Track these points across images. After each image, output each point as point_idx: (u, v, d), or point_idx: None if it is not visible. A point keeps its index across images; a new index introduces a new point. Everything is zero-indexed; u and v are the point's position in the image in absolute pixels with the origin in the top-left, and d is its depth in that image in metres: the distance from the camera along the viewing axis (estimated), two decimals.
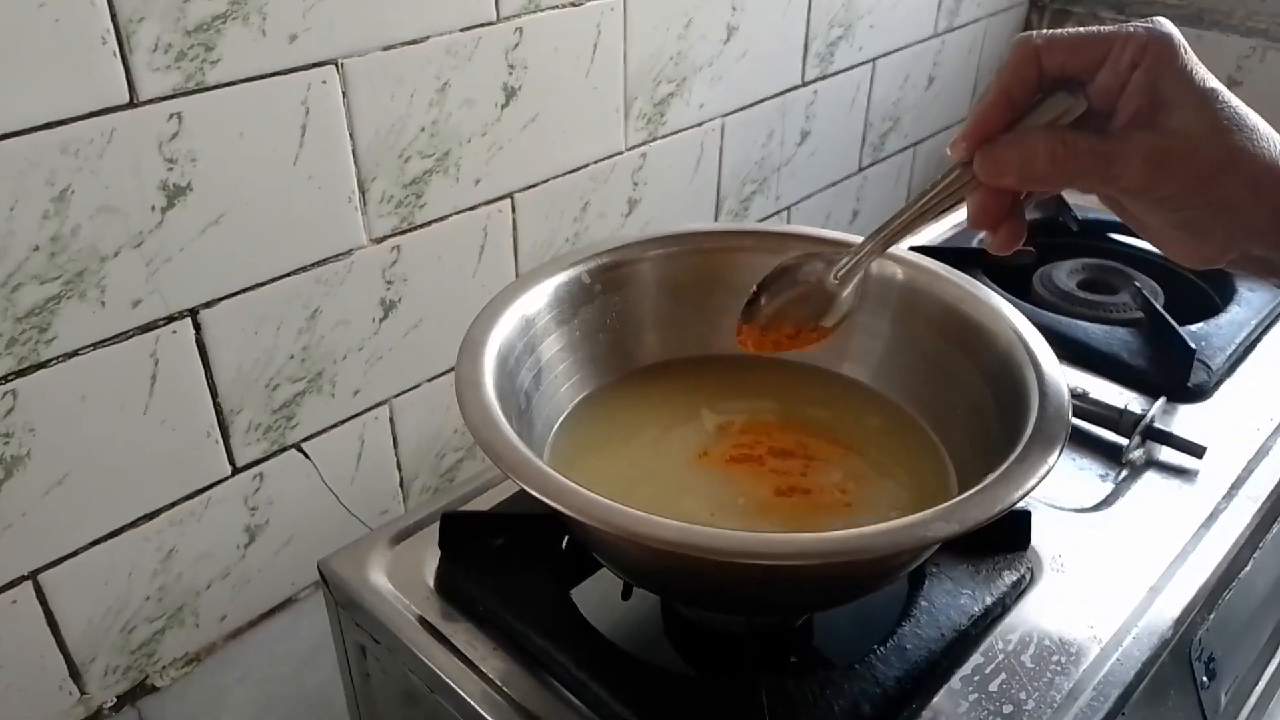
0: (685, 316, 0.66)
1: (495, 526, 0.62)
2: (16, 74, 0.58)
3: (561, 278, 0.63)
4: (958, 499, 0.45)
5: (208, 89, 0.66)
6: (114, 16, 0.61)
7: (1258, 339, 0.85)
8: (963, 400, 0.59)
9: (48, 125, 0.60)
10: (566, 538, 0.62)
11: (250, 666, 0.81)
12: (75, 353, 0.66)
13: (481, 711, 0.54)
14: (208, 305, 0.71)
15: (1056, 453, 0.47)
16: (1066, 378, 0.54)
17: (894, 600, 0.59)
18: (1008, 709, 0.54)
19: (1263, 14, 1.34)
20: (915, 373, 0.62)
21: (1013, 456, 0.47)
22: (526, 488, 0.46)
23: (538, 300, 0.61)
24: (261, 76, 0.68)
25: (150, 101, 0.64)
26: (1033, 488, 0.45)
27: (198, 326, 0.71)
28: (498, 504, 0.67)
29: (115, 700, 0.77)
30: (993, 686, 0.55)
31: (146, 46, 0.63)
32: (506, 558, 0.61)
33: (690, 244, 0.66)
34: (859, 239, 0.65)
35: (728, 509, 0.56)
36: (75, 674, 0.74)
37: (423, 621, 0.59)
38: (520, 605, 0.58)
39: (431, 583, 0.62)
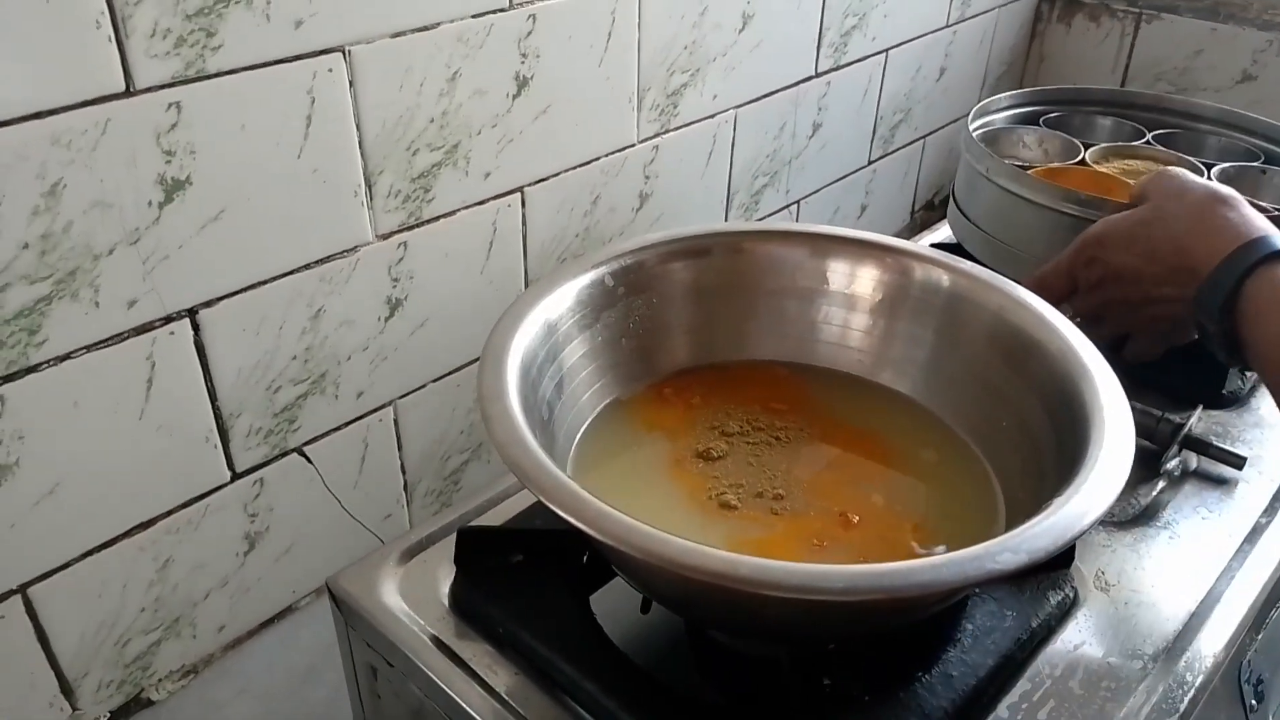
0: (712, 321, 0.63)
1: (513, 542, 0.59)
2: (4, 60, 0.54)
3: (584, 280, 0.60)
4: (1025, 527, 0.42)
5: (208, 77, 0.62)
6: None
7: None
8: (1010, 416, 0.56)
9: (37, 115, 0.57)
10: (587, 553, 0.59)
11: (250, 679, 0.78)
12: (67, 356, 0.62)
13: None
14: (207, 305, 0.68)
15: (1126, 473, 0.45)
16: None
17: (934, 622, 0.56)
18: None
19: None
20: (960, 386, 0.59)
21: (1080, 478, 0.44)
22: (560, 512, 0.42)
23: (560, 304, 0.58)
24: (265, 64, 0.65)
25: (148, 90, 0.60)
26: (1103, 514, 0.42)
27: (196, 327, 0.68)
28: (513, 517, 0.64)
29: (109, 716, 0.74)
30: (1042, 715, 0.52)
31: (144, 32, 0.59)
32: (525, 575, 0.58)
33: (717, 244, 0.63)
34: (891, 239, 0.63)
35: (755, 528, 0.53)
36: (67, 690, 0.71)
37: (437, 642, 0.56)
38: (542, 626, 0.55)
39: (446, 601, 0.59)
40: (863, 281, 0.62)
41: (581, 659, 0.53)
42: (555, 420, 0.56)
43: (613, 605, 0.58)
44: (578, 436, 0.58)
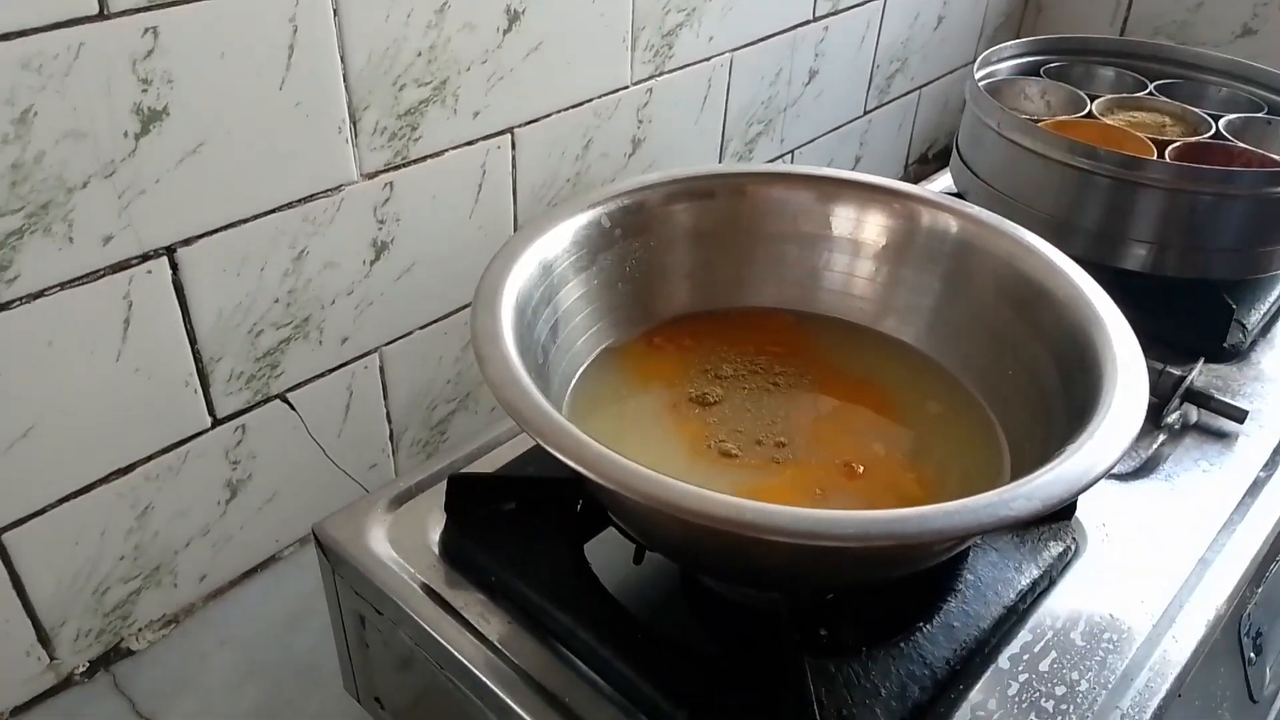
0: (712, 266, 0.61)
1: (505, 490, 0.58)
2: None
3: (580, 220, 0.57)
4: (1040, 473, 0.41)
5: (186, 0, 0.59)
6: None
7: None
8: (1017, 365, 0.54)
9: (5, 37, 0.54)
10: (581, 501, 0.57)
11: (232, 629, 0.76)
12: (40, 293, 0.60)
13: (495, 689, 0.50)
14: (186, 243, 0.65)
15: (1139, 422, 0.43)
16: None
17: (935, 571, 0.55)
18: (1060, 690, 0.51)
19: None
20: (966, 334, 0.58)
21: (1093, 425, 0.43)
22: (561, 456, 0.41)
23: (556, 244, 0.56)
24: None
25: (123, 13, 0.57)
26: (1118, 460, 0.41)
27: (175, 266, 0.65)
28: (505, 465, 0.62)
29: (88, 665, 0.72)
30: (1043, 666, 0.52)
31: None
32: (517, 523, 0.57)
33: (719, 185, 0.61)
34: (899, 184, 0.61)
35: (757, 475, 0.52)
36: (44, 639, 0.69)
37: (428, 590, 0.55)
38: (535, 574, 0.53)
39: (436, 549, 0.57)
40: (868, 227, 0.60)
41: (576, 607, 0.51)
42: (550, 364, 0.54)
43: (606, 556, 0.56)
44: (573, 381, 0.57)
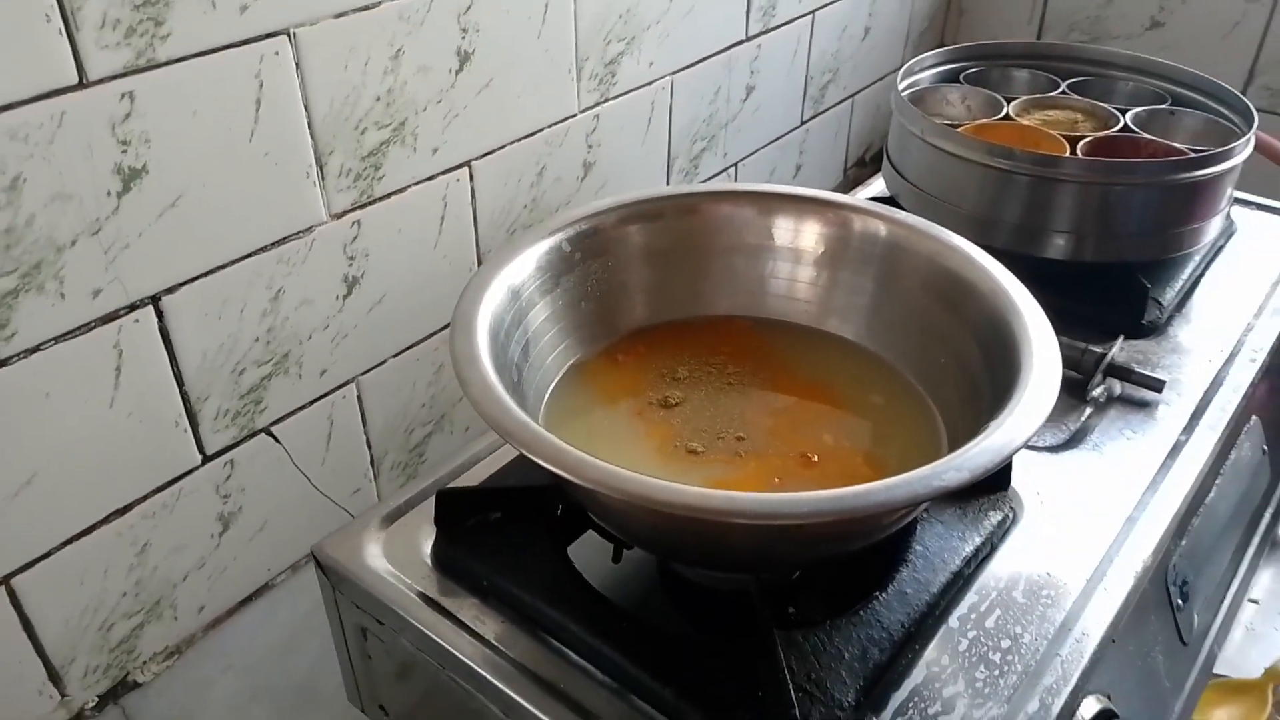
0: (667, 280, 0.66)
1: (490, 501, 0.62)
2: None
3: (542, 246, 0.62)
4: (968, 447, 0.46)
5: (159, 65, 0.63)
6: None
7: (1202, 274, 0.89)
8: (948, 353, 0.60)
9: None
10: (562, 507, 0.62)
11: (233, 656, 0.80)
12: (36, 348, 0.63)
13: (495, 682, 0.54)
14: (169, 291, 0.69)
15: (1054, 396, 0.49)
16: None
17: (887, 545, 0.60)
18: (1005, 644, 0.56)
19: None
20: (901, 328, 0.63)
21: (1014, 402, 0.49)
22: (544, 463, 0.45)
23: (521, 271, 0.60)
24: (213, 50, 0.66)
25: (100, 81, 0.61)
26: (1035, 432, 0.47)
27: (160, 314, 0.69)
28: (487, 478, 0.67)
29: (97, 700, 0.75)
30: (989, 624, 0.57)
31: (93, 23, 0.60)
32: (503, 531, 0.61)
33: (668, 206, 0.66)
34: (831, 194, 0.66)
35: (722, 469, 0.57)
36: (54, 677, 0.72)
37: (425, 598, 0.59)
38: (524, 576, 0.58)
39: (429, 560, 0.61)
40: (806, 236, 0.66)
41: (565, 602, 0.56)
42: (525, 382, 0.59)
43: (586, 558, 0.61)
44: (546, 396, 0.61)
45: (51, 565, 0.69)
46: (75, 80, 0.60)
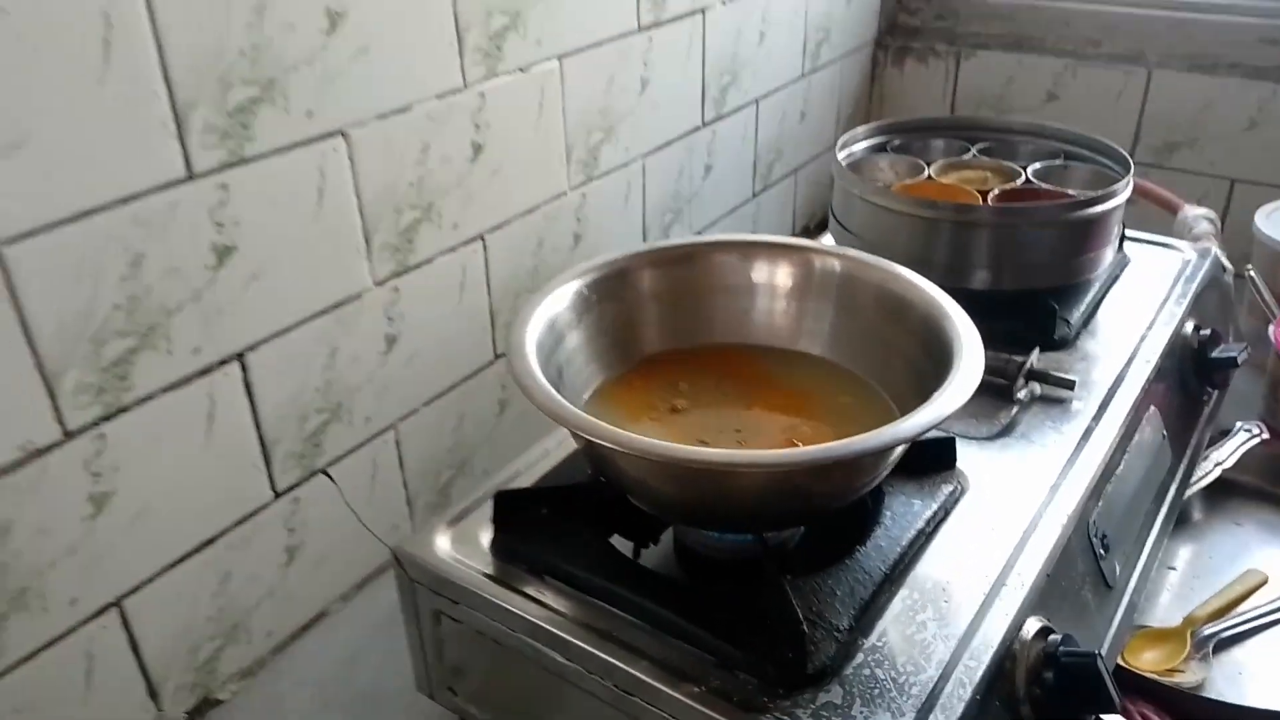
0: (671, 315, 0.81)
1: (540, 500, 0.75)
2: (101, 157, 0.69)
3: (569, 289, 0.77)
4: (917, 411, 0.61)
5: (247, 161, 0.78)
6: (173, 104, 0.72)
7: (1102, 297, 1.06)
8: (899, 358, 0.75)
9: (122, 200, 0.71)
10: (599, 497, 0.75)
11: (302, 673, 0.90)
12: (149, 397, 0.76)
13: (562, 634, 0.66)
14: (252, 348, 0.82)
15: (980, 372, 0.64)
16: None
17: (863, 518, 0.74)
18: (962, 580, 0.70)
19: (1069, 37, 1.60)
20: (860, 342, 0.79)
21: (950, 381, 0.64)
22: (600, 441, 0.59)
23: (556, 306, 0.75)
24: (287, 148, 0.80)
25: (203, 175, 0.75)
26: (970, 394, 0.62)
27: (245, 368, 0.82)
28: (535, 480, 0.80)
29: (186, 716, 0.86)
30: (948, 566, 0.71)
31: (198, 129, 0.74)
32: (552, 524, 0.74)
33: (668, 255, 0.81)
34: (797, 240, 0.83)
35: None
36: (153, 693, 0.82)
37: (491, 578, 0.71)
38: (574, 557, 0.71)
39: (489, 552, 0.74)
40: (779, 274, 0.82)
41: (609, 570, 0.69)
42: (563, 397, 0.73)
43: None
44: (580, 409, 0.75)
45: (154, 589, 0.80)
46: (184, 174, 0.74)
